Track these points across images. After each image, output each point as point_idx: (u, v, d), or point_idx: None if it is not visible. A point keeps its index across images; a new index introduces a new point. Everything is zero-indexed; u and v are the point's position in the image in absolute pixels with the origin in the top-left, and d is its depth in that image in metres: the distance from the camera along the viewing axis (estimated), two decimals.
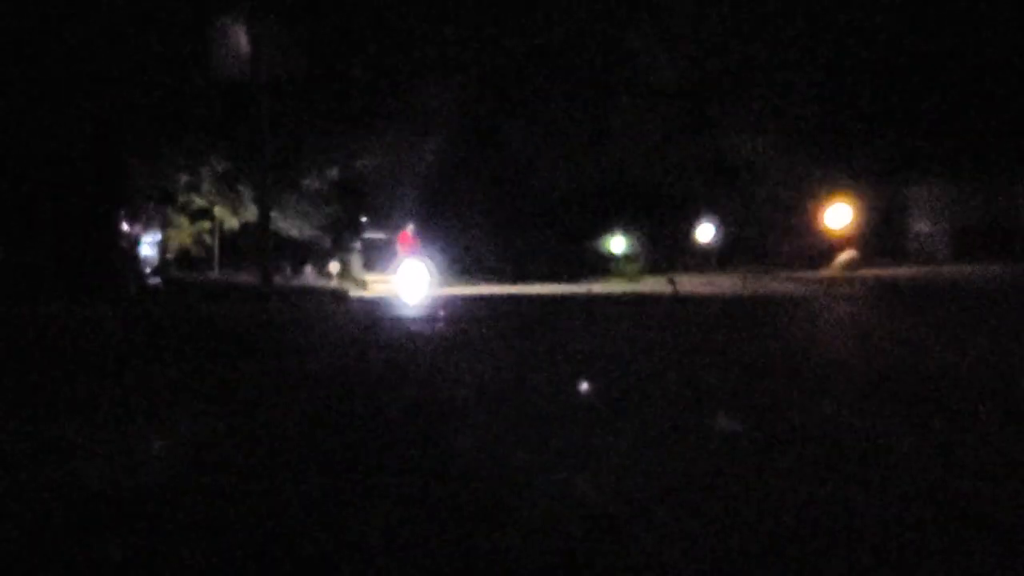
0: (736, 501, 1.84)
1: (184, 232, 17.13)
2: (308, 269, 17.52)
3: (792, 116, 16.61)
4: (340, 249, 18.37)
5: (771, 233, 19.45)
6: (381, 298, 13.15)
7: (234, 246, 17.06)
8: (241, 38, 12.15)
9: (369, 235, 19.49)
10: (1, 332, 6.91)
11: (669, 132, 17.06)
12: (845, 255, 17.93)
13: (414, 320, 7.98)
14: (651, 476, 2.07)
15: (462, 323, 7.65)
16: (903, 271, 17.31)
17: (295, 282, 16.55)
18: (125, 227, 16.21)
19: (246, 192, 16.92)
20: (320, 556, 1.55)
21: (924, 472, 2.08)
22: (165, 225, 17.01)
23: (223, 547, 1.62)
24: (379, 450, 2.41)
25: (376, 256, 18.85)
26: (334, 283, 17.03)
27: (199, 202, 16.99)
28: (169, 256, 17.27)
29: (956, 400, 3.06)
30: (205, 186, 16.81)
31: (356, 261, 18.77)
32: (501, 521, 1.72)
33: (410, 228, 15.63)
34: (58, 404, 3.30)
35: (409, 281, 14.67)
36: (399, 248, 15.59)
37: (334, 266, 18.10)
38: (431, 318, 8.11)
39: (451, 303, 10.89)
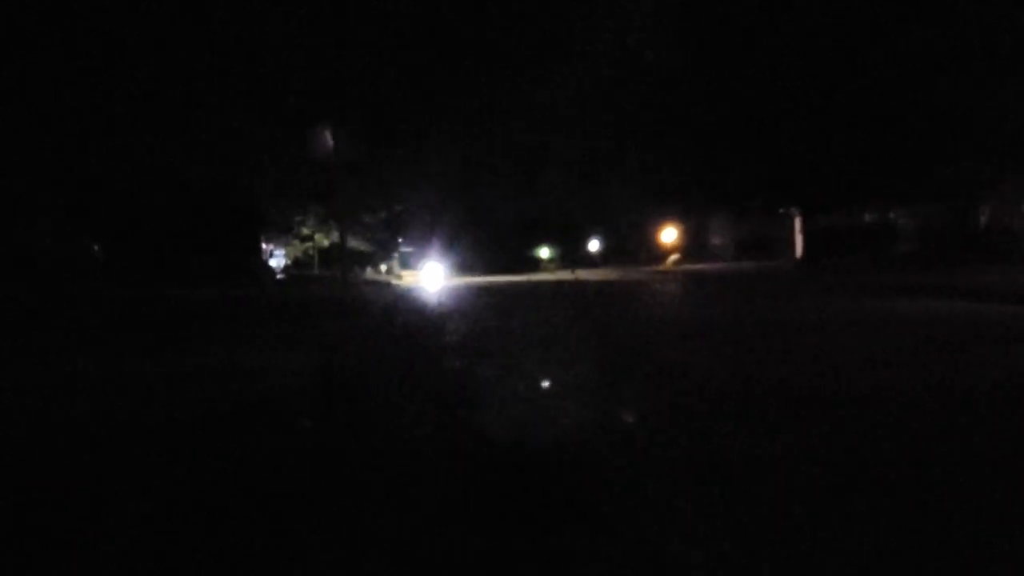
0: (606, 367, 14.14)
1: (296, 248, 29.22)
2: (368, 269, 29.68)
3: (641, 179, 29.25)
4: (386, 257, 30.63)
5: (631, 244, 32.55)
6: (411, 284, 25.43)
7: (325, 256, 29.20)
8: (328, 140, 24.54)
9: (403, 248, 31.82)
10: (199, 303, 14.32)
11: (572, 187, 29.59)
12: (672, 256, 30.83)
13: (433, 294, 20.04)
14: (559, 363, 14.40)
15: (459, 294, 19.83)
16: (705, 266, 30.13)
17: (360, 276, 28.74)
18: (264, 246, 28.16)
19: (332, 225, 28.99)
20: (386, 427, 4.57)
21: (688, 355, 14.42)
22: (286, 245, 29.07)
23: (326, 428, 4.05)
24: (414, 365, 6.31)
25: (407, 260, 31.22)
26: (383, 277, 29.26)
27: (305, 231, 29.02)
28: (288, 262, 29.35)
29: (718, 329, 9.42)
30: (309, 222, 28.84)
31: (395, 264, 31.08)
32: (486, 390, 13.88)
33: (433, 243, 28.05)
34: (230, 340, 8.14)
35: (430, 274, 27.01)
36: (424, 255, 27.96)
37: (383, 267, 30.35)
38: (443, 293, 20.28)
39: (453, 286, 23.22)
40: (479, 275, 28.92)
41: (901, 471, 2.80)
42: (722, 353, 6.29)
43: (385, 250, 30.44)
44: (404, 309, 14.57)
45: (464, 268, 30.25)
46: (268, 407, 4.43)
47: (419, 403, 4.46)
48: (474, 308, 14.03)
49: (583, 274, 27.21)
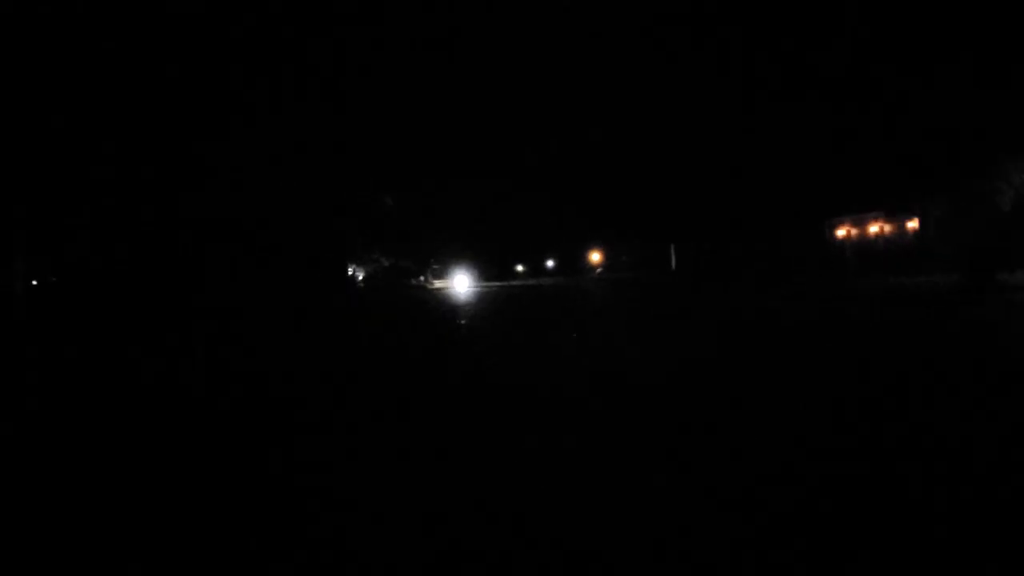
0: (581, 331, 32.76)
1: (370, 267, 47.58)
2: (413, 280, 47.90)
3: (577, 220, 47.91)
4: (423, 271, 48.99)
5: (573, 261, 51.51)
6: (442, 289, 43.85)
7: (387, 271, 47.53)
8: (388, 201, 43.34)
9: (433, 265, 50.11)
10: (317, 307, 37.20)
11: (535, 226, 48.28)
12: (598, 269, 49.62)
13: (461, 294, 38.74)
14: (523, 312, 33.02)
15: (481, 292, 38.46)
16: (617, 275, 48.85)
17: (408, 283, 47.16)
18: (349, 266, 46.67)
19: (390, 255, 47.52)
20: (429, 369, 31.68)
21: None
22: (363, 265, 47.49)
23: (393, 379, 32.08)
24: (449, 343, 23.84)
25: (437, 273, 49.69)
26: (420, 283, 47.73)
27: (374, 257, 47.33)
28: (365, 275, 47.76)
29: (620, 308, 32.65)
30: (376, 251, 47.17)
31: (430, 275, 49.40)
32: (508, 354, 32.42)
33: (452, 262, 46.40)
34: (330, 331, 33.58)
35: (460, 281, 45.47)
36: (447, 270, 46.25)
37: (421, 278, 48.75)
38: (469, 293, 38.93)
39: (475, 289, 41.69)
40: (483, 281, 47.06)
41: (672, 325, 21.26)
42: (605, 307, 24.68)
43: (422, 266, 48.48)
44: (438, 297, 32.96)
45: (481, 277, 48.14)
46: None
47: (445, 319, 22.80)
48: (482, 295, 32.44)
49: (544, 279, 45.68)
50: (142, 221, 38.71)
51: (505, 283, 45.61)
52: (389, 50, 37.58)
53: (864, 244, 37.60)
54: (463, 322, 19.11)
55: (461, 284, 43.69)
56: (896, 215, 34.99)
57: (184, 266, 40.72)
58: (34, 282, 43.36)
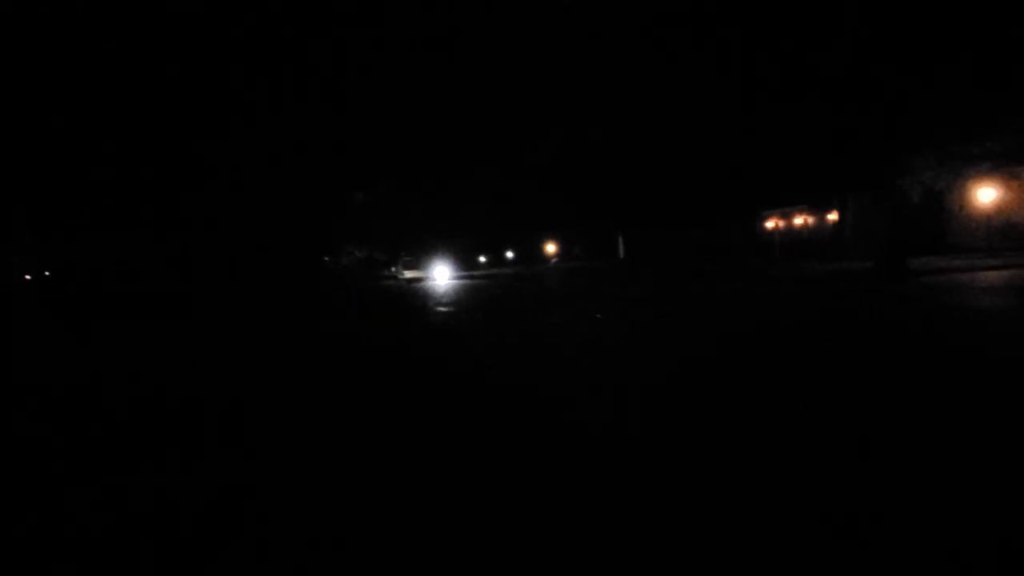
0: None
1: (344, 258, 50.14)
2: (384, 271, 50.71)
3: (535, 214, 51.72)
4: (395, 263, 51.97)
5: (531, 251, 55.42)
6: (411, 279, 46.95)
7: (361, 263, 50.21)
8: (361, 198, 46.35)
9: (405, 258, 53.07)
10: (278, 295, 40.19)
11: (497, 222, 51.88)
12: (553, 259, 53.58)
13: (439, 285, 42.09)
14: (540, 318, 36.54)
15: (455, 283, 41.85)
16: (571, 264, 52.90)
17: (380, 274, 50.02)
18: (325, 258, 49.26)
19: (364, 248, 50.27)
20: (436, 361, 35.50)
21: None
22: (338, 257, 50.04)
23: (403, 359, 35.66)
24: (426, 329, 36.02)
25: (408, 264, 52.81)
26: (392, 274, 50.67)
27: (350, 249, 49.98)
28: (339, 266, 50.28)
29: (577, 296, 37.40)
30: (351, 244, 49.85)
31: (401, 266, 52.43)
32: (483, 337, 35.95)
33: (423, 255, 49.63)
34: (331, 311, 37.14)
35: (440, 272, 48.60)
36: (419, 262, 49.48)
37: (392, 269, 51.72)
38: (446, 283, 42.30)
39: (451, 280, 44.99)
40: (461, 271, 50.62)
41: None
42: (561, 292, 28.38)
43: (394, 258, 51.33)
44: (404, 287, 36.19)
45: (454, 268, 51.58)
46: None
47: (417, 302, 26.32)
48: (450, 285, 35.83)
49: (505, 269, 49.31)
50: (135, 219, 40.45)
51: (472, 272, 49.08)
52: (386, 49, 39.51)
53: (791, 235, 42.64)
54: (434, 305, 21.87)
55: (439, 275, 46.77)
56: (819, 208, 40.07)
57: (173, 261, 42.67)
58: (27, 276, 44.37)
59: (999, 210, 30.08)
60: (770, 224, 44.02)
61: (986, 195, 29.20)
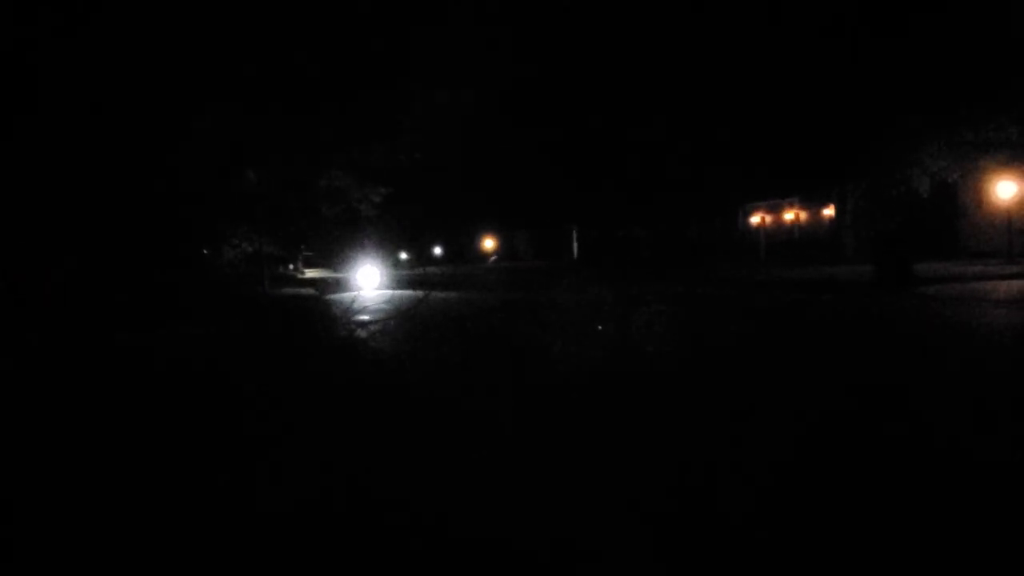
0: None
1: (228, 253, 48.21)
2: (280, 268, 48.92)
3: (468, 206, 50.62)
4: (293, 259, 50.13)
5: (463, 249, 54.33)
6: (311, 277, 45.29)
7: (250, 258, 48.36)
8: (252, 178, 44.45)
9: (305, 253, 51.17)
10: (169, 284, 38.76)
11: (421, 212, 50.70)
12: (492, 257, 52.54)
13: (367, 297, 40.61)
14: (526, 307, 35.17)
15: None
16: (513, 263, 51.97)
17: (275, 272, 48.23)
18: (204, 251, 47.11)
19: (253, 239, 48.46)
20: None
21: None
22: (221, 252, 48.15)
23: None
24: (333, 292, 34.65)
25: (308, 261, 50.89)
26: (291, 272, 48.87)
27: (236, 242, 48.03)
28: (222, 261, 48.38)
29: (532, 287, 35.73)
30: (239, 235, 47.95)
31: (300, 263, 50.53)
32: (463, 326, 34.60)
33: (329, 250, 47.98)
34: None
35: (366, 277, 46.91)
36: (321, 259, 47.70)
37: (291, 266, 49.82)
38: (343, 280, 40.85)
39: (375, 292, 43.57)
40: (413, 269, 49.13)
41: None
42: (507, 296, 27.22)
43: (292, 254, 49.41)
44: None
45: (354, 265, 50.25)
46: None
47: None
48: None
49: (432, 269, 48.08)
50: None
51: (390, 270, 47.66)
52: None
53: (779, 232, 42.38)
54: None
55: (365, 281, 45.36)
56: (813, 201, 39.89)
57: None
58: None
59: (1022, 208, 29.75)
60: (755, 219, 43.70)
61: (1006, 190, 28.87)
